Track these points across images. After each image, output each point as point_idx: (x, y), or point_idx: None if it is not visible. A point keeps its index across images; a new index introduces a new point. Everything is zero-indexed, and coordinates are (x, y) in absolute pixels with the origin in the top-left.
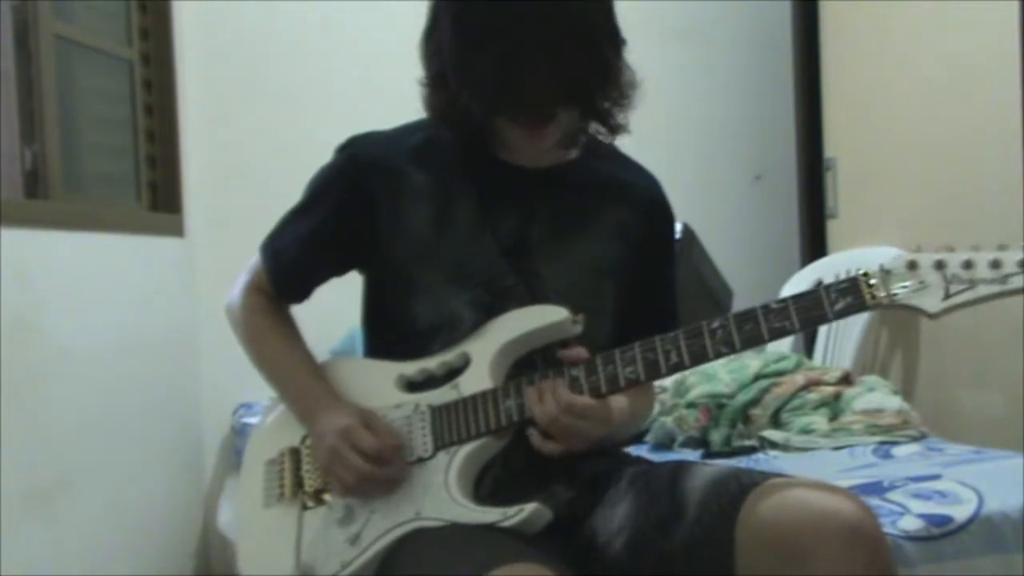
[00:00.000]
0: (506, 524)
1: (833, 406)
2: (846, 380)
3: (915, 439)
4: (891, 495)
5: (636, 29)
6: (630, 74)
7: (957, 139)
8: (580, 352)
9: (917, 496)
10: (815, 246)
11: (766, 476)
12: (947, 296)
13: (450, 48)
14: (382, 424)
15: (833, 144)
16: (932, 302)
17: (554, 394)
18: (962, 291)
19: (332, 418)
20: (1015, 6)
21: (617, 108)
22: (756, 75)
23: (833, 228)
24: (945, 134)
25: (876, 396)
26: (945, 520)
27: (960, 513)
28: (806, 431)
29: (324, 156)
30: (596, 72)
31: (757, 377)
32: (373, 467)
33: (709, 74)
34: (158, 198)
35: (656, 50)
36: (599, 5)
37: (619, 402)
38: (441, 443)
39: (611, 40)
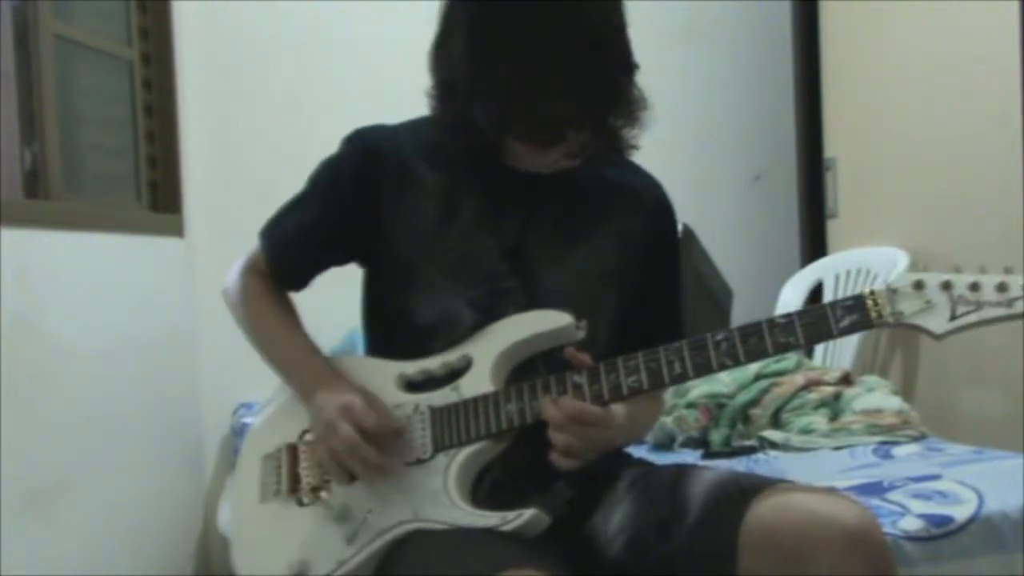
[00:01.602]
0: (504, 528)
1: (833, 406)
2: (846, 380)
3: (915, 439)
4: (891, 495)
5: (636, 29)
6: (640, 94)
7: (957, 139)
8: (584, 357)
9: (917, 496)
10: (815, 246)
11: (768, 481)
12: (953, 317)
13: (462, 65)
14: (384, 407)
15: (833, 144)
16: (938, 323)
17: (561, 404)
18: (968, 313)
19: (334, 393)
20: (1015, 6)
21: (627, 128)
22: (756, 75)
23: (833, 228)
24: (945, 134)
25: (876, 396)
26: (945, 520)
27: (960, 513)
28: (806, 431)
29: (324, 156)
30: (608, 97)
31: (757, 377)
32: (362, 443)
33: (709, 74)
34: (158, 198)
35: (656, 50)
36: (614, 29)
37: (620, 411)
38: (440, 445)
39: (624, 65)
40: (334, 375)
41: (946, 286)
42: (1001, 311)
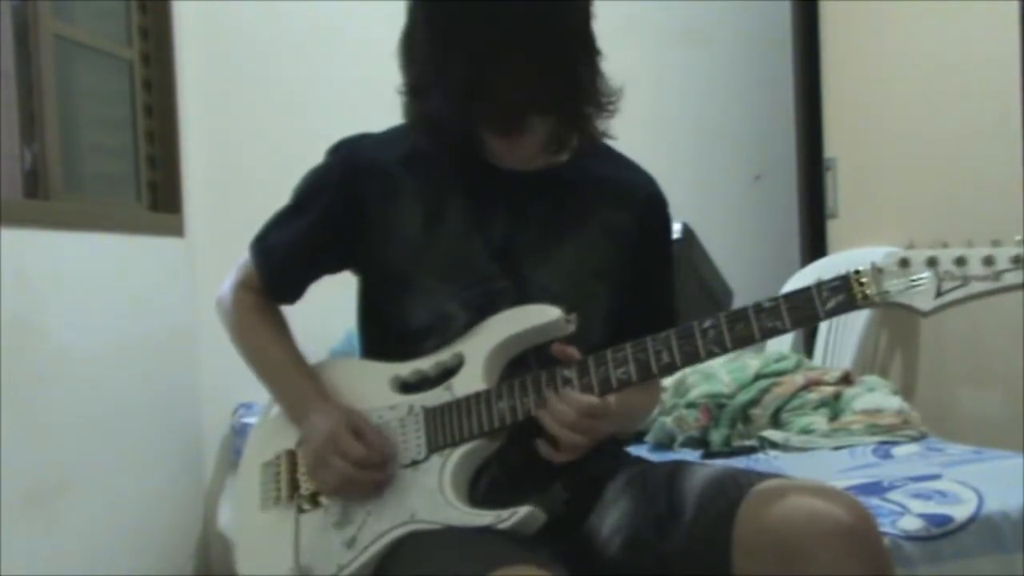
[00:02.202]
0: (500, 527)
1: (833, 406)
2: (846, 380)
3: (915, 439)
4: (891, 495)
5: (636, 29)
6: (608, 81)
7: (957, 139)
8: (572, 351)
9: (917, 496)
10: (815, 246)
11: (764, 477)
12: (939, 294)
13: (424, 54)
14: (370, 429)
15: (833, 144)
16: (924, 300)
17: (566, 398)
18: (955, 288)
19: (321, 420)
20: (1015, 6)
21: (597, 115)
22: (756, 75)
23: (833, 228)
24: (945, 134)
25: (876, 396)
26: (945, 520)
27: (960, 513)
28: (806, 431)
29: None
30: (569, 80)
31: (757, 377)
32: (356, 471)
33: (709, 74)
34: (158, 198)
35: (656, 50)
36: (574, 12)
37: (612, 397)
38: (435, 445)
39: (585, 47)
40: (321, 396)
41: (932, 262)
42: (988, 285)
